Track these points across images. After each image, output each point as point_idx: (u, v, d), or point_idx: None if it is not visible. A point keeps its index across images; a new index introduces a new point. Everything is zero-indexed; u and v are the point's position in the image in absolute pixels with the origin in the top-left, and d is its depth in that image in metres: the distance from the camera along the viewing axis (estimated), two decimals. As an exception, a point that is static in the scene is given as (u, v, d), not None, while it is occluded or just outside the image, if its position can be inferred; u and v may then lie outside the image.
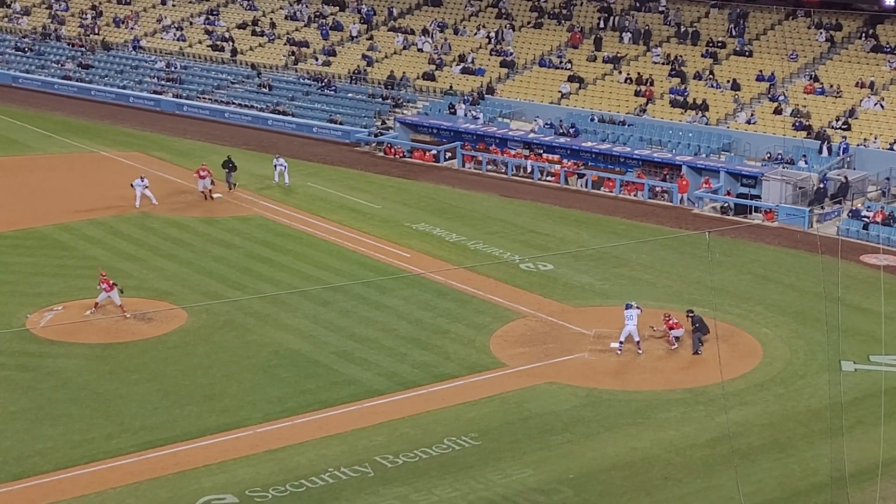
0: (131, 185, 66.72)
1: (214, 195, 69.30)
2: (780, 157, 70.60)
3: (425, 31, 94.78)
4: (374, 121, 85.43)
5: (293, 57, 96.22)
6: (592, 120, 79.24)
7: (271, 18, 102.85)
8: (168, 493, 37.46)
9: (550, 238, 63.33)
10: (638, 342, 48.24)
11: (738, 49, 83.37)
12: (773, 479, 38.45)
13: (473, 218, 66.63)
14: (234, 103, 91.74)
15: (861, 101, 75.11)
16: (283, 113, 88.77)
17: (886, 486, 37.65)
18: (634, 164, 73.23)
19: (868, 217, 64.07)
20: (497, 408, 43.53)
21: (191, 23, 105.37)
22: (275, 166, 72.65)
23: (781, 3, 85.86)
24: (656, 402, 43.99)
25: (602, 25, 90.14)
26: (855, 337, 49.46)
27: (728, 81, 79.94)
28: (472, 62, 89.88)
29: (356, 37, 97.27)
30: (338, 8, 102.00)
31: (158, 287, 53.99)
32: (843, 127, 72.81)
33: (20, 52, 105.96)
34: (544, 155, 76.34)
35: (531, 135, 78.25)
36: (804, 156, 70.24)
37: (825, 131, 72.45)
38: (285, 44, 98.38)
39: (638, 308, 48.56)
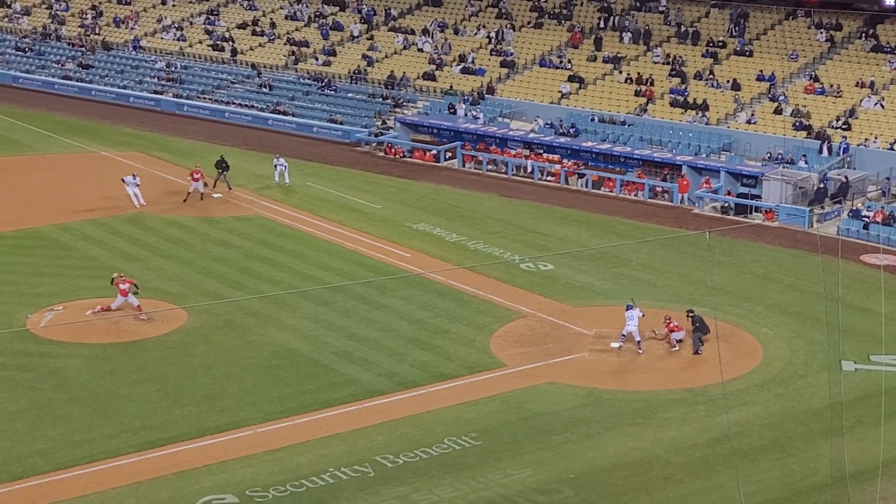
0: (122, 180, 66.48)
1: (214, 195, 69.33)
2: (780, 156, 70.61)
3: (425, 31, 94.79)
4: (374, 121, 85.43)
5: (293, 57, 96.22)
6: (593, 120, 79.24)
7: (271, 18, 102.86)
8: (168, 493, 37.45)
9: (551, 238, 63.32)
10: (639, 342, 48.24)
11: (738, 49, 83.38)
12: (774, 479, 38.45)
13: (474, 218, 66.62)
14: (234, 103, 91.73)
15: (861, 100, 75.12)
16: (284, 113, 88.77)
17: (887, 486, 37.65)
18: (635, 164, 73.22)
19: (868, 217, 64.07)
20: (497, 408, 43.53)
21: (191, 23, 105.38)
22: (275, 166, 72.65)
23: (782, 3, 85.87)
24: (656, 402, 43.99)
25: (602, 25, 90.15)
26: (855, 337, 49.45)
27: (728, 81, 79.95)
28: (473, 62, 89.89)
29: (356, 37, 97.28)
30: (338, 8, 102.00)
31: (158, 287, 53.95)
32: (844, 127, 72.81)
33: (20, 52, 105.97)
34: (544, 155, 76.34)
35: (531, 135, 78.24)
36: (804, 156, 70.25)
37: (825, 131, 72.45)
38: (285, 44, 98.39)
39: (640, 310, 48.56)
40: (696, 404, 43.77)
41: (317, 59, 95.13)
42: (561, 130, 78.18)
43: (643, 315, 48.65)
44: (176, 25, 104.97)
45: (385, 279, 55.81)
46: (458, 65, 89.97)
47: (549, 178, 74.95)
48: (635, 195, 71.55)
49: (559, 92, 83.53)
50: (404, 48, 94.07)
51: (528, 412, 43.17)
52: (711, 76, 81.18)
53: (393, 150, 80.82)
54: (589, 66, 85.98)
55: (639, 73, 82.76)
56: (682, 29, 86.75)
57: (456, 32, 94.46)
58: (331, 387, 45.04)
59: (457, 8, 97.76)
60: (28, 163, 77.59)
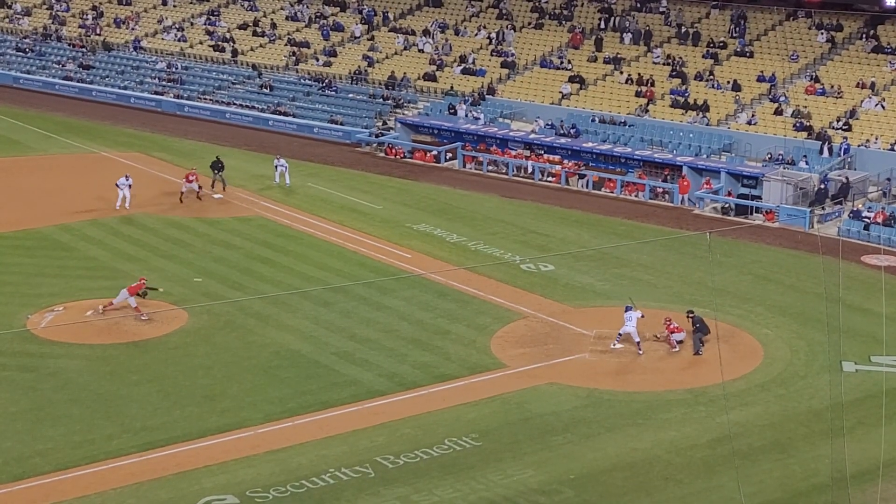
0: (116, 185, 66.38)
1: (215, 195, 69.36)
2: (780, 157, 70.61)
3: (426, 32, 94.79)
4: (374, 121, 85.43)
5: (294, 57, 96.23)
6: (593, 120, 79.25)
7: (272, 19, 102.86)
8: (169, 493, 37.45)
9: (551, 239, 63.33)
10: (638, 343, 48.24)
11: (738, 50, 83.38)
12: (774, 480, 38.45)
13: (474, 218, 66.63)
14: (234, 104, 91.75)
15: (862, 101, 75.13)
16: (284, 113, 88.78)
17: (887, 487, 37.65)
18: (635, 165, 73.22)
19: (869, 218, 64.08)
20: (498, 408, 43.54)
21: (192, 23, 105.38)
22: (275, 167, 72.66)
23: (782, 4, 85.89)
24: (657, 403, 43.99)
25: (603, 26, 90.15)
26: (856, 338, 49.47)
27: (729, 82, 79.95)
28: (473, 63, 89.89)
29: (357, 37, 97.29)
30: (338, 8, 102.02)
31: (159, 288, 53.86)
32: (844, 127, 72.81)
33: (21, 53, 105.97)
34: (545, 155, 76.35)
35: (532, 135, 78.25)
36: (805, 156, 70.26)
37: (826, 132, 72.45)
38: (286, 44, 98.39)
39: (639, 312, 48.57)
40: (697, 405, 43.78)
41: (317, 60, 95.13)
42: (561, 131, 78.20)
43: (642, 316, 48.66)
44: (177, 26, 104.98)
45: (386, 280, 55.81)
46: (458, 65, 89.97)
47: (549, 178, 74.96)
48: (636, 196, 71.55)
49: (560, 92, 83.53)
50: (405, 49, 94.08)
51: (529, 413, 43.17)
52: (712, 77, 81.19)
53: (393, 151, 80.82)
54: (589, 66, 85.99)
55: (639, 74, 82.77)
56: (683, 30, 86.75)
57: (456, 33, 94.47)
58: (331, 387, 45.04)
59: (457, 9, 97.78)
60: (29, 163, 77.59)
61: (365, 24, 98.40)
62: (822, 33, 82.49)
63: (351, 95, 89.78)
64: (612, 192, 72.31)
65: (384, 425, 42.01)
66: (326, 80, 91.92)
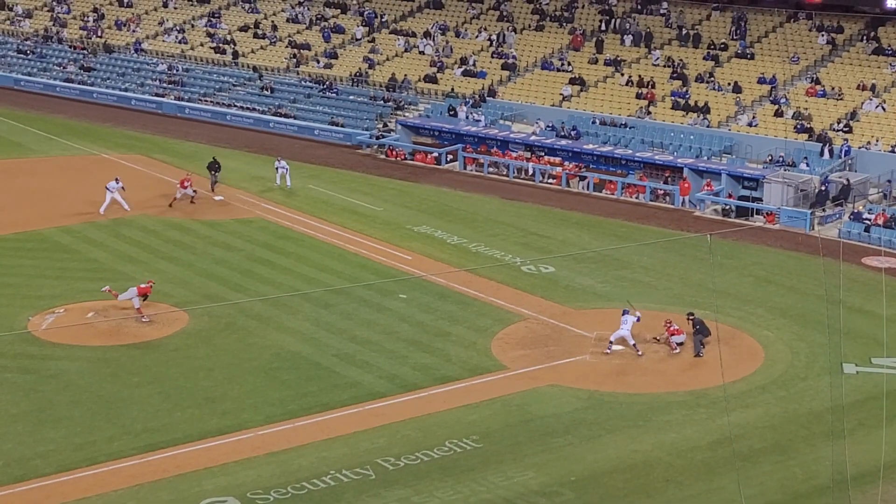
0: (106, 188, 66.27)
1: (216, 197, 69.36)
2: (781, 159, 70.62)
3: (427, 34, 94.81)
4: (375, 123, 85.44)
5: (295, 59, 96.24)
6: (594, 122, 79.26)
7: (273, 21, 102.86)
8: (169, 495, 37.48)
9: (552, 240, 63.34)
10: (633, 345, 48.22)
11: (739, 52, 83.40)
12: (775, 482, 38.47)
13: (475, 220, 66.64)
14: (235, 106, 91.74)
15: (862, 103, 75.15)
16: (285, 115, 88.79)
17: (888, 489, 37.66)
18: (636, 167, 73.21)
19: (869, 219, 64.07)
20: (498, 410, 43.56)
21: (192, 25, 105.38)
22: (276, 169, 72.65)
23: (783, 6, 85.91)
24: (658, 405, 44.00)
25: (603, 28, 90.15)
26: (856, 339, 49.48)
27: (729, 84, 79.96)
28: (474, 65, 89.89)
29: (358, 39, 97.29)
30: (339, 11, 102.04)
31: (160, 289, 53.80)
32: (845, 129, 72.81)
33: (22, 55, 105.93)
34: (546, 157, 76.35)
35: (532, 137, 78.22)
36: (805, 158, 70.27)
37: (826, 134, 72.46)
38: (287, 46, 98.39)
39: (636, 315, 48.56)
40: (697, 407, 43.79)
41: (318, 62, 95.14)
42: (562, 133, 78.20)
43: (639, 319, 48.62)
44: (177, 28, 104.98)
45: (386, 282, 55.82)
46: (459, 67, 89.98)
47: (550, 180, 74.97)
48: (636, 198, 71.55)
49: (560, 94, 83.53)
50: (405, 51, 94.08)
51: (530, 415, 43.19)
52: (713, 79, 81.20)
53: (394, 153, 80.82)
54: (590, 68, 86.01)
55: (640, 76, 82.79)
56: (684, 32, 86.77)
57: (457, 35, 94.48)
58: (332, 389, 45.06)
59: (458, 11, 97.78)
60: (30, 165, 77.62)
61: (366, 27, 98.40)
62: (822, 35, 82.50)
63: (352, 97, 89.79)
64: (612, 194, 72.31)
65: (385, 427, 42.04)
66: (327, 82, 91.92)
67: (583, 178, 74.01)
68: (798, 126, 74.03)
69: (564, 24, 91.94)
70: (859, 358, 47.95)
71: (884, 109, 73.99)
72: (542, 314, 52.61)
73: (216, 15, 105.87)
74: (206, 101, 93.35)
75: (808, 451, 40.65)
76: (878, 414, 42.42)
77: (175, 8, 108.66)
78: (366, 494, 37.47)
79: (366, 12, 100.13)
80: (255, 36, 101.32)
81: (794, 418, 43.10)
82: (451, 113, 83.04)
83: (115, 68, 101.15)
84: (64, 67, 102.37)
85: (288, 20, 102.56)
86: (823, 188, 67.12)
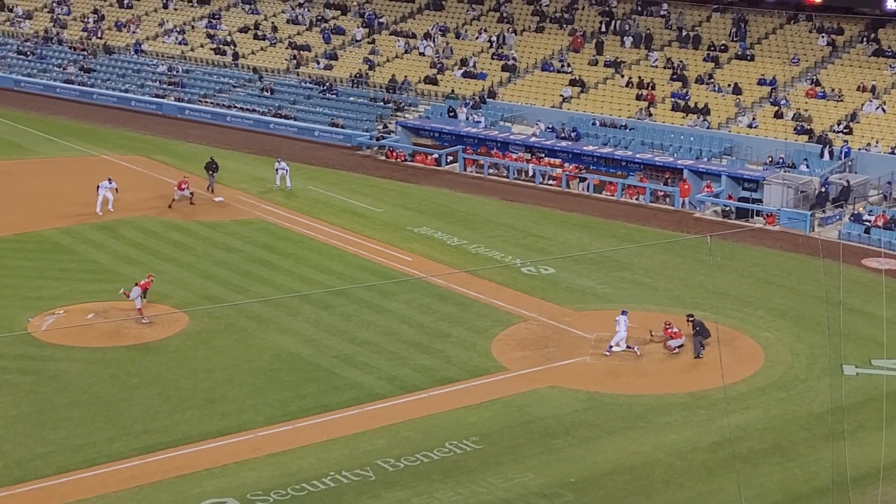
0: (98, 187, 66.19)
1: (216, 198, 69.37)
2: (781, 160, 70.63)
3: (427, 35, 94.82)
4: (375, 124, 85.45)
5: (295, 61, 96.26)
6: (594, 124, 79.29)
7: (273, 22, 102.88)
8: (169, 496, 37.47)
9: (552, 242, 63.34)
10: (629, 347, 48.21)
11: (739, 53, 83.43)
12: (775, 483, 38.46)
13: (475, 222, 66.64)
14: (235, 107, 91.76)
15: (862, 105, 75.16)
16: (285, 117, 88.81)
17: (888, 490, 37.66)
18: (636, 168, 73.21)
19: (869, 221, 64.07)
20: (498, 411, 43.56)
21: (193, 26, 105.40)
22: (276, 170, 72.66)
23: (783, 8, 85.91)
24: (658, 406, 44.00)
25: (603, 30, 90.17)
26: (856, 341, 49.47)
27: (730, 85, 79.97)
28: (474, 66, 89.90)
29: (358, 41, 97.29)
30: (339, 12, 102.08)
31: (160, 291, 53.82)
32: (845, 131, 72.82)
33: (22, 56, 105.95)
34: (546, 159, 76.35)
35: (533, 138, 78.25)
36: (805, 160, 70.27)
37: (826, 135, 72.48)
38: (287, 47, 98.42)
39: (623, 314, 48.69)
40: (698, 408, 43.79)
41: (318, 63, 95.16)
42: (562, 134, 78.22)
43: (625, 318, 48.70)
44: (178, 29, 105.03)
45: (386, 283, 55.82)
46: (459, 69, 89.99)
47: (550, 182, 74.97)
48: (636, 199, 71.56)
49: (560, 96, 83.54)
50: (406, 52, 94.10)
51: (530, 416, 43.19)
52: (713, 80, 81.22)
53: (394, 154, 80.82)
54: (590, 70, 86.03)
55: (640, 78, 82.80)
56: (684, 33, 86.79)
57: (457, 36, 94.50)
58: (332, 390, 45.05)
59: (458, 12, 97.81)
60: (30, 166, 77.63)
61: (366, 28, 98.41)
62: (822, 37, 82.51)
63: (352, 99, 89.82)
64: (612, 196, 72.31)
65: (385, 428, 42.03)
66: (327, 84, 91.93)
67: (583, 180, 73.99)
68: (798, 127, 74.04)
69: (564, 25, 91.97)
70: (859, 359, 47.94)
71: (884, 111, 74.00)
72: (542, 315, 52.62)
73: (216, 16, 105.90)
74: (206, 102, 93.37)
75: (808, 452, 40.65)
76: (878, 415, 42.41)
77: (175, 9, 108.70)
78: (366, 496, 37.47)
79: (366, 14, 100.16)
80: (256, 37, 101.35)
81: (794, 420, 43.11)
82: (451, 114, 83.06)
83: (116, 69, 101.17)
84: (64, 68, 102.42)
85: (288, 21, 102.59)
86: (823, 190, 67.12)
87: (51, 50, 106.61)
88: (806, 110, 75.71)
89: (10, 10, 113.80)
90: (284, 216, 66.94)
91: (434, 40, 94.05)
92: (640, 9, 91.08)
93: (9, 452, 39.94)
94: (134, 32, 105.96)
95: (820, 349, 48.72)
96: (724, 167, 71.10)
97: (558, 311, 53.03)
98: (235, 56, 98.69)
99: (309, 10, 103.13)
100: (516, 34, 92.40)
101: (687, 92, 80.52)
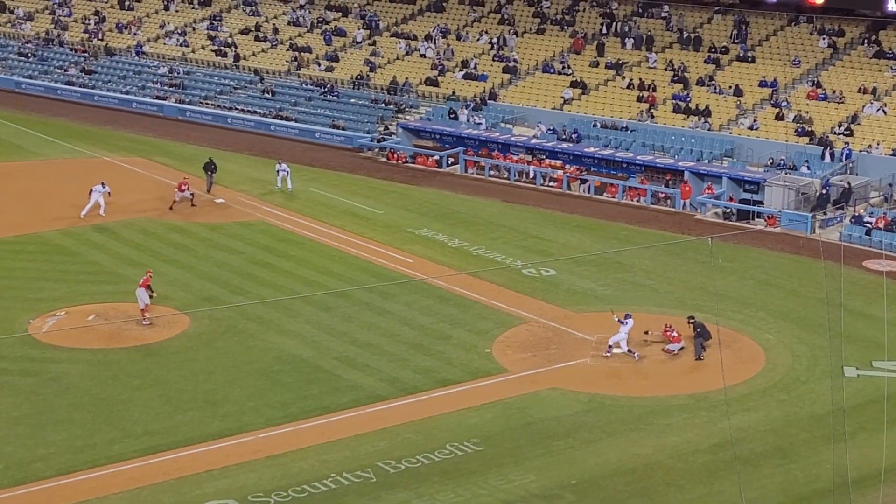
0: (91, 191, 66.03)
1: (217, 200, 69.40)
2: (782, 162, 70.60)
3: (428, 37, 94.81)
4: (376, 126, 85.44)
5: (296, 62, 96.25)
6: (595, 125, 79.27)
7: (274, 24, 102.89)
8: (170, 498, 37.49)
9: (553, 243, 63.33)
10: (629, 351, 48.21)
11: (740, 55, 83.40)
12: (776, 485, 38.46)
13: (476, 223, 66.64)
14: (236, 109, 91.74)
15: (863, 106, 75.13)
16: (286, 118, 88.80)
17: (889, 492, 37.66)
18: (637, 170, 73.19)
19: (871, 223, 64.06)
20: (499, 413, 43.56)
21: (194, 28, 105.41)
22: (277, 171, 72.67)
23: (784, 10, 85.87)
24: (659, 408, 44.00)
25: (604, 31, 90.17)
26: (857, 343, 49.47)
27: (731, 87, 79.96)
28: (475, 68, 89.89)
29: (359, 42, 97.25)
30: (340, 14, 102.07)
31: (161, 292, 53.79)
32: (846, 133, 72.80)
33: (23, 58, 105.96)
34: (547, 160, 76.32)
35: (534, 140, 78.23)
36: (806, 161, 70.23)
37: (828, 137, 72.46)
38: (288, 49, 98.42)
39: (628, 317, 48.72)
40: (699, 410, 43.78)
41: (319, 65, 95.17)
42: (563, 136, 78.20)
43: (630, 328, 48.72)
44: (179, 31, 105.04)
45: (387, 284, 55.83)
46: (460, 70, 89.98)
47: (551, 183, 74.95)
48: (637, 201, 71.54)
49: (561, 98, 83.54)
50: (406, 54, 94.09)
51: (531, 418, 43.20)
52: (714, 82, 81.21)
53: (395, 156, 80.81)
54: (591, 71, 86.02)
55: (641, 79, 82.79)
56: (685, 35, 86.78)
57: (458, 38, 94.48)
58: (333, 392, 45.07)
59: (459, 14, 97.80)
60: (31, 168, 77.66)
61: (367, 30, 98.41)
62: (823, 38, 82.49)
63: (353, 100, 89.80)
64: (613, 198, 72.29)
65: (386, 430, 42.05)
66: (328, 85, 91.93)
67: (584, 182, 73.97)
68: (799, 129, 74.03)
69: (565, 27, 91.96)
70: (860, 361, 47.92)
71: (885, 113, 73.98)
72: (543, 317, 52.62)
73: (217, 18, 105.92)
74: (207, 104, 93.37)
75: (809, 454, 40.64)
76: (879, 417, 42.41)
77: (176, 11, 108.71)
78: (366, 497, 37.48)
79: (367, 15, 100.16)
80: (257, 39, 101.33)
81: (795, 422, 43.11)
82: (452, 116, 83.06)
83: (117, 71, 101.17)
84: (65, 70, 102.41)
85: (289, 23, 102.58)
86: (824, 191, 67.10)
87: (52, 52, 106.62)
88: (807, 112, 75.71)
89: (12, 12, 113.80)
90: (285, 218, 66.96)
91: (435, 42, 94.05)
92: (640, 11, 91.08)
93: (9, 454, 39.97)
94: (135, 34, 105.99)
95: (821, 351, 48.71)
96: (725, 169, 71.08)
97: (559, 313, 53.03)
98: (236, 58, 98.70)
99: (310, 12, 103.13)
100: (517, 36, 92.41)
101: (688, 94, 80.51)
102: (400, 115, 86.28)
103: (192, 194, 68.40)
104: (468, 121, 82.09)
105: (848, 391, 44.94)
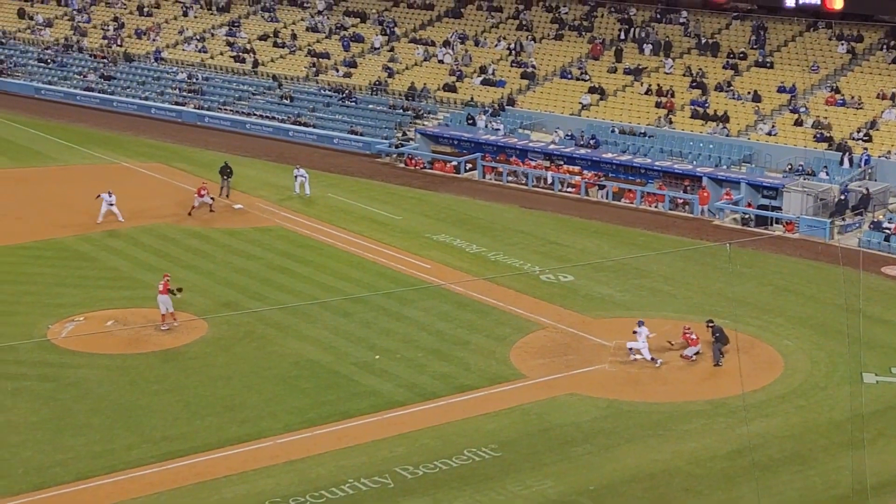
0: (97, 197, 66.30)
1: (235, 206, 69.52)
2: (801, 168, 70.48)
3: (446, 43, 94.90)
4: (394, 132, 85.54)
5: (314, 68, 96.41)
6: (613, 131, 79.22)
7: (292, 30, 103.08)
8: (188, 503, 37.51)
9: (571, 249, 63.29)
10: (652, 358, 48.15)
11: (759, 60, 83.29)
12: (795, 492, 38.35)
13: (494, 229, 66.63)
14: (255, 114, 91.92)
15: (882, 112, 74.95)
16: (304, 124, 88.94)
17: (908, 499, 37.58)
18: (655, 176, 73.15)
19: (889, 229, 63.89)
20: (517, 419, 43.52)
21: (212, 34, 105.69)
22: (295, 177, 72.77)
23: (802, 15, 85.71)
24: (677, 414, 43.92)
25: (623, 37, 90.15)
26: (876, 349, 49.33)
27: (749, 93, 79.84)
28: (493, 74, 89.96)
29: (377, 48, 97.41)
30: (359, 20, 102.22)
31: (179, 297, 53.93)
32: (865, 138, 72.65)
33: (43, 64, 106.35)
34: (565, 166, 76.32)
35: (552, 146, 78.24)
36: (825, 167, 70.10)
37: (846, 143, 72.31)
38: (306, 55, 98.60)
39: (641, 325, 48.67)
40: (717, 416, 43.69)
41: (337, 71, 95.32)
42: (581, 142, 78.16)
43: (648, 334, 48.62)
44: (197, 37, 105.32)
45: (405, 290, 55.83)
46: (478, 76, 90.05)
47: (569, 189, 74.92)
48: (655, 207, 71.48)
49: (579, 103, 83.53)
50: (425, 60, 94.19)
51: (549, 423, 43.15)
52: (732, 88, 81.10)
53: (413, 162, 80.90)
54: (609, 77, 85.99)
55: (659, 85, 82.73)
56: (703, 41, 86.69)
57: (476, 44, 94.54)
58: (351, 397, 45.08)
59: (477, 20, 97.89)
60: (50, 174, 77.90)
61: (385, 36, 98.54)
62: (842, 44, 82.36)
63: (371, 106, 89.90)
64: (631, 203, 72.24)
65: (404, 436, 42.04)
66: (346, 91, 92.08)
67: (602, 187, 73.95)
68: (818, 135, 73.89)
69: (584, 33, 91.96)
70: (879, 367, 47.78)
71: (904, 118, 73.91)
72: (561, 323, 52.58)
73: (236, 24, 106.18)
74: (225, 109, 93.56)
75: (828, 460, 40.53)
76: (899, 423, 42.39)
77: (195, 17, 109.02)
78: (384, 503, 37.46)
79: (385, 21, 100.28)
80: (275, 45, 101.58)
81: (813, 428, 42.99)
82: (470, 122, 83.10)
83: (136, 77, 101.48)
84: (84, 76, 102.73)
85: (307, 29, 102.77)
86: (843, 197, 66.97)
87: (71, 58, 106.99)
88: (825, 118, 75.56)
89: (31, 18, 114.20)
90: (303, 223, 67.02)
91: (453, 48, 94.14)
92: (659, 16, 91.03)
93: (28, 459, 40.06)
94: (154, 40, 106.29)
95: (839, 357, 48.57)
96: (743, 175, 70.98)
97: (577, 319, 52.99)
98: (255, 64, 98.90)
99: (328, 18, 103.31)
100: (535, 42, 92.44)
101: (706, 99, 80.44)
102: (418, 121, 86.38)
103: (212, 199, 68.51)
104: (486, 126, 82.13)
105: (867, 397, 44.81)
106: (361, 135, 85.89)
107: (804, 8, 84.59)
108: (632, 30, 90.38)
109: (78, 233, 64.43)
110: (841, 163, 70.66)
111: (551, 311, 53.99)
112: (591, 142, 77.74)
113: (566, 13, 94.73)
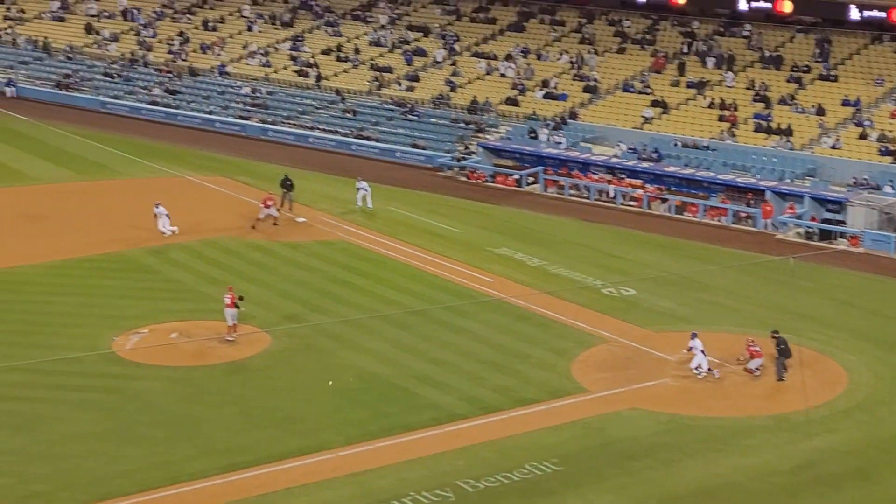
0: (155, 212, 66.79)
1: (298, 219, 69.83)
2: (865, 182, 69.98)
3: (508, 57, 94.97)
4: (456, 146, 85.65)
5: (377, 82, 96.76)
6: (676, 145, 78.97)
7: (355, 44, 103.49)
8: (250, 515, 37.78)
9: (632, 263, 63.14)
10: (710, 370, 47.91)
11: (823, 74, 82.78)
12: (857, 508, 38.09)
13: (555, 242, 66.58)
14: (318, 128, 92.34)
15: (948, 125, 74.38)
16: (367, 138, 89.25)
17: (973, 516, 37.19)
18: (718, 189, 72.85)
19: (955, 243, 63.37)
20: (578, 433, 43.45)
21: (276, 49, 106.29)
22: (357, 190, 73.00)
23: (867, 28, 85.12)
24: (738, 429, 43.68)
25: (685, 50, 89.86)
26: (941, 364, 48.93)
27: (813, 106, 79.35)
28: (555, 87, 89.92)
29: (439, 62, 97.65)
30: (421, 34, 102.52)
31: (242, 311, 54.25)
32: (930, 152, 72.11)
33: (108, 78, 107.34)
34: (627, 180, 76.17)
35: (614, 159, 78.13)
36: (890, 181, 69.58)
37: (911, 156, 71.82)
38: (369, 69, 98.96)
39: (694, 337, 48.42)
40: (779, 431, 43.41)
41: (400, 85, 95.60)
42: (644, 155, 77.99)
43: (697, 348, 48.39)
44: (261, 51, 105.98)
45: (465, 303, 55.87)
46: (540, 90, 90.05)
47: (631, 202, 74.75)
48: (718, 220, 71.17)
49: (642, 117, 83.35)
50: (487, 73, 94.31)
51: (610, 438, 43.04)
52: (795, 101, 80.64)
53: (475, 175, 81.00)
54: (672, 90, 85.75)
55: (722, 98, 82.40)
56: (766, 54, 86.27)
57: (539, 58, 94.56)
58: (411, 410, 45.14)
59: (539, 33, 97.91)
60: (115, 187, 78.57)
61: (447, 49, 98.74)
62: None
63: (433, 120, 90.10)
64: (694, 217, 71.98)
65: (464, 449, 42.03)
66: (409, 105, 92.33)
67: (664, 201, 73.75)
68: (882, 149, 73.34)
69: (646, 46, 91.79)
70: (944, 383, 47.41)
71: (970, 131, 73.21)
72: (623, 337, 52.45)
73: (300, 38, 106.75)
74: (288, 123, 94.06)
75: (892, 476, 40.20)
76: (964, 440, 41.96)
77: (259, 32, 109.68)
78: (445, 516, 37.56)
79: (447, 36, 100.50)
80: (338, 59, 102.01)
81: (877, 444, 42.63)
82: (532, 135, 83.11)
83: (200, 91, 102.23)
84: (149, 90, 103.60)
85: (370, 43, 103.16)
86: (908, 211, 66.51)
87: (136, 72, 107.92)
88: (890, 131, 74.98)
89: (98, 34, 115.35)
90: (365, 236, 67.25)
91: (515, 61, 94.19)
92: (722, 30, 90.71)
93: (91, 469, 40.39)
94: (218, 55, 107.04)
95: (904, 372, 48.25)
96: (807, 188, 70.56)
97: (639, 333, 52.84)
98: (318, 78, 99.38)
99: (391, 33, 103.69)
100: (597, 55, 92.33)
101: (770, 113, 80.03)
102: (480, 135, 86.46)
103: (278, 210, 68.83)
104: (548, 140, 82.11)
105: (932, 413, 44.49)
106: (423, 148, 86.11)
107: (869, 21, 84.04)
108: (694, 43, 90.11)
109: (143, 245, 64.89)
110: (906, 176, 70.19)
111: (613, 324, 53.88)
112: (654, 155, 77.56)
113: (629, 26, 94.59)
